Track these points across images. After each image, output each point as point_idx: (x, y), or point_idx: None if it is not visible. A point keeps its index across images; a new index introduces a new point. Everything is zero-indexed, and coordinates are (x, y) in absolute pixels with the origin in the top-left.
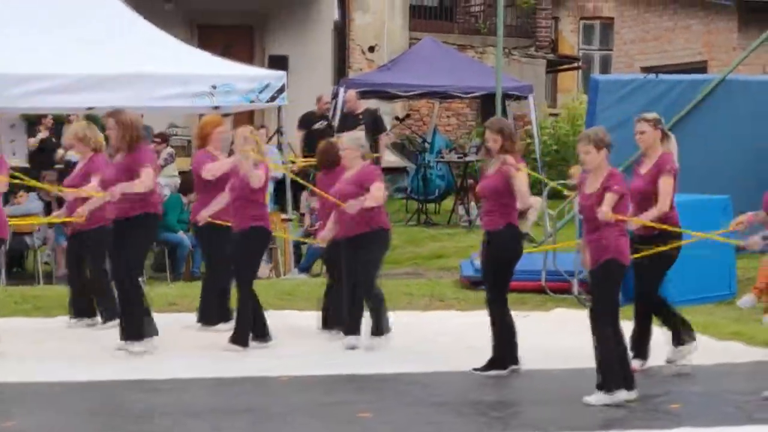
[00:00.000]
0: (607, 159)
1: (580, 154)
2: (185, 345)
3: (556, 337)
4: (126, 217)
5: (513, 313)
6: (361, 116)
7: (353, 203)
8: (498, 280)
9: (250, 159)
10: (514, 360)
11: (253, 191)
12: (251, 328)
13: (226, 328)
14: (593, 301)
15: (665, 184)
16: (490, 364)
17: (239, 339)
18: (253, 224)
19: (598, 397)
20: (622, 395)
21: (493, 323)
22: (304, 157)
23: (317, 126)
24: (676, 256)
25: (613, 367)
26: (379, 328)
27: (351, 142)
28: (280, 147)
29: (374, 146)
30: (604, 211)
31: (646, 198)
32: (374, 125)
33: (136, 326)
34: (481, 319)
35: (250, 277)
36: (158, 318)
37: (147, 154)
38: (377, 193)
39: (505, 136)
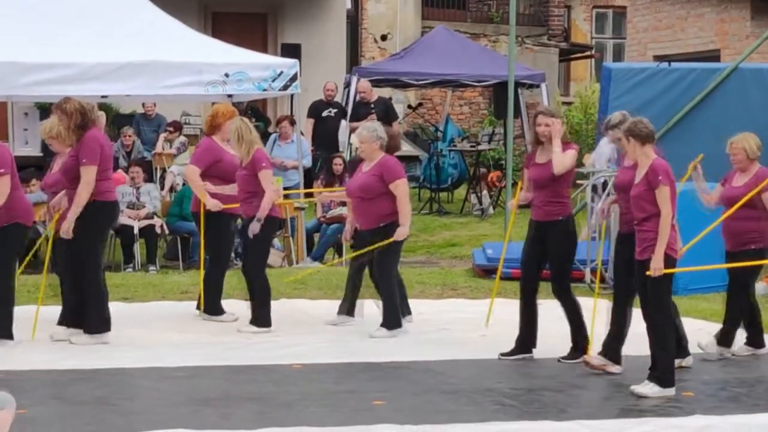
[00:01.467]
0: (640, 145)
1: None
2: (197, 333)
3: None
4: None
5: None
6: (372, 105)
7: (402, 231)
8: (564, 270)
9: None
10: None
11: (259, 183)
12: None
13: (232, 319)
14: (647, 296)
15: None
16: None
17: (264, 321)
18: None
19: (653, 389)
20: (671, 391)
21: (526, 311)
22: (314, 143)
23: (326, 113)
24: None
25: (672, 362)
26: (386, 322)
27: (368, 136)
28: None
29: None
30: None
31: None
32: (386, 114)
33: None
34: (494, 307)
35: (262, 263)
36: (170, 306)
37: (88, 146)
38: (404, 197)
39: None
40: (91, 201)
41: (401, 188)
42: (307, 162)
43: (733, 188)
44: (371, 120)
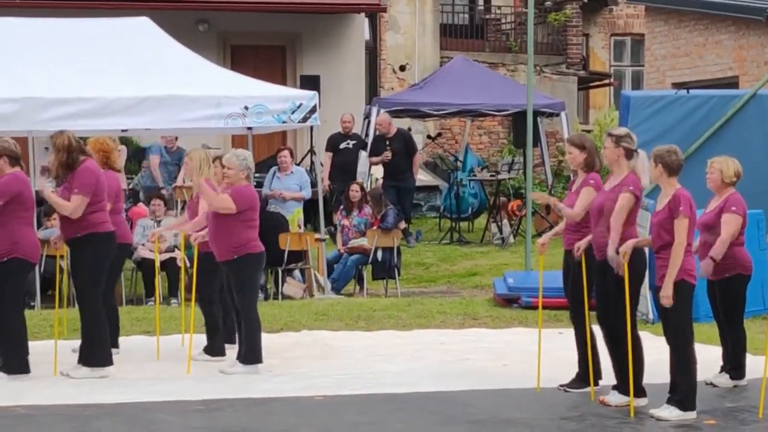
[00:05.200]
0: (666, 175)
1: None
2: (217, 365)
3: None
4: (75, 237)
5: (547, 330)
6: (388, 141)
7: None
8: (576, 297)
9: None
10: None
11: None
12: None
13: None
14: (667, 321)
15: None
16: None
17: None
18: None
19: (672, 413)
20: (692, 415)
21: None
22: (331, 177)
23: (344, 146)
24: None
25: (693, 385)
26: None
27: (236, 162)
28: (312, 167)
29: (409, 167)
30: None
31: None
32: (406, 148)
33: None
34: (515, 337)
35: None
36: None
37: (83, 177)
38: (224, 203)
39: None
40: (87, 233)
41: (224, 203)
42: (307, 193)
43: (704, 214)
44: (385, 157)
